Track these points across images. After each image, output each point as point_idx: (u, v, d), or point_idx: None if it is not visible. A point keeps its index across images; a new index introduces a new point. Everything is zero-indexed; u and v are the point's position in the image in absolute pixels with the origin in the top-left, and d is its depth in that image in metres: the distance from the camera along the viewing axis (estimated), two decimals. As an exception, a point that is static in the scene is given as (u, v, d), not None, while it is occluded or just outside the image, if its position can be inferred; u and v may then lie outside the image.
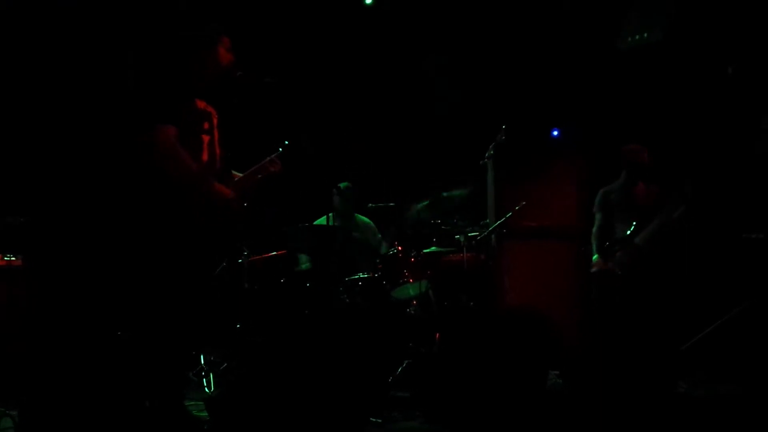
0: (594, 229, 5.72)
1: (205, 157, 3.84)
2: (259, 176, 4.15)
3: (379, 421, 4.27)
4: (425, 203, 5.63)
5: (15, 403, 4.02)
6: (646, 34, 6.50)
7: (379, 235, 6.41)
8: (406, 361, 4.91)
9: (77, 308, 4.71)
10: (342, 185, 6.09)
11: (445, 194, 5.61)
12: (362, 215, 6.46)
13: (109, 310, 4.72)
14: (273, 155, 4.22)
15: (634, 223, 5.41)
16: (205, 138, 3.85)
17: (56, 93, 5.31)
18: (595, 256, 5.62)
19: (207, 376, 5.09)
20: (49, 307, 4.77)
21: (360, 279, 5.42)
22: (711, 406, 4.67)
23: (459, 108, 7.34)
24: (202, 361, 5.17)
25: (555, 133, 7.10)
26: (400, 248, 5.51)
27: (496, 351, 4.43)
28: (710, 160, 6.06)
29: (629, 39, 6.60)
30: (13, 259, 4.94)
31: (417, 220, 5.83)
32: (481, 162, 6.04)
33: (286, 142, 4.35)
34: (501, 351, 4.43)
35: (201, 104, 3.86)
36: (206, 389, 5.02)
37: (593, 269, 5.57)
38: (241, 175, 4.15)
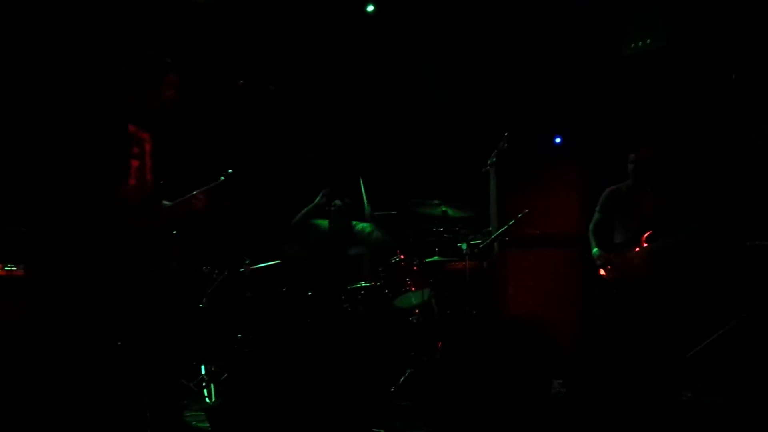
0: (591, 226, 5.70)
1: (132, 182, 3.76)
2: (188, 209, 4.03)
3: (382, 431, 4.25)
4: (436, 202, 5.61)
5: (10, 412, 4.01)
6: (648, 41, 6.49)
7: (384, 231, 6.35)
8: (408, 370, 4.89)
9: (76, 317, 4.68)
10: (335, 203, 6.06)
11: (445, 209, 5.59)
12: (361, 222, 6.44)
13: (109, 320, 4.69)
14: (198, 190, 4.02)
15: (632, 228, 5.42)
16: (134, 163, 3.78)
17: (53, 95, 5.29)
18: (595, 250, 5.59)
19: (208, 386, 5.07)
20: (49, 317, 4.74)
21: (362, 288, 5.41)
22: (715, 414, 4.64)
23: (461, 115, 7.34)
24: (203, 372, 5.16)
25: (557, 140, 7.08)
26: (402, 256, 5.50)
27: (499, 359, 4.41)
28: (713, 167, 6.04)
29: (631, 45, 6.60)
30: (14, 269, 4.92)
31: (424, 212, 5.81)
32: (483, 169, 6.03)
33: (222, 177, 4.26)
34: (504, 359, 4.41)
35: (132, 128, 3.79)
36: (207, 399, 5.00)
37: (598, 262, 5.52)
38: (169, 203, 4.04)
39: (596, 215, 5.71)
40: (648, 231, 5.36)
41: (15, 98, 5.22)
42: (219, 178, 4.13)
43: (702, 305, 5.61)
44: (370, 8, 7.21)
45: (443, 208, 5.60)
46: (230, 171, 4.14)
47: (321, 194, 5.97)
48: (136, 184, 3.77)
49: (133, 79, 3.84)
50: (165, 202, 4.01)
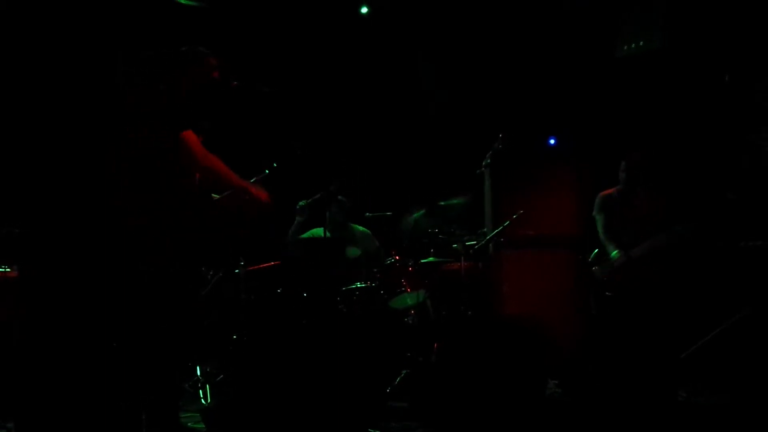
0: (601, 231, 5.59)
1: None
2: (246, 197, 4.09)
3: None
4: (422, 212, 5.61)
5: (10, 415, 4.00)
6: (642, 42, 6.50)
7: (377, 243, 6.39)
8: (404, 371, 4.88)
9: (73, 318, 4.67)
10: (338, 196, 6.08)
11: (442, 203, 5.58)
12: (359, 224, 6.45)
13: (107, 320, 4.68)
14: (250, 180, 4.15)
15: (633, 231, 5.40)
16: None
17: (50, 95, 5.27)
18: (614, 252, 5.44)
19: (203, 388, 5.06)
20: (45, 318, 4.73)
21: (357, 289, 5.41)
22: (711, 415, 4.64)
23: (456, 116, 7.35)
24: (198, 373, 5.14)
25: (552, 141, 7.09)
26: (397, 257, 5.50)
27: (495, 360, 4.40)
28: (708, 167, 6.05)
29: (626, 47, 6.61)
30: (8, 270, 4.91)
31: (414, 229, 5.81)
32: (478, 170, 6.03)
33: (267, 171, 4.29)
34: (499, 360, 4.41)
35: None
36: (202, 400, 4.99)
37: (617, 264, 5.40)
38: (217, 197, 4.10)
39: (600, 218, 5.61)
40: (645, 233, 5.37)
41: (11, 98, 5.19)
42: (264, 172, 4.15)
43: (698, 305, 5.61)
44: (364, 10, 7.23)
45: (439, 203, 5.59)
46: (275, 165, 4.16)
47: (300, 207, 6.04)
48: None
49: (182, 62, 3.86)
50: (213, 195, 4.05)
